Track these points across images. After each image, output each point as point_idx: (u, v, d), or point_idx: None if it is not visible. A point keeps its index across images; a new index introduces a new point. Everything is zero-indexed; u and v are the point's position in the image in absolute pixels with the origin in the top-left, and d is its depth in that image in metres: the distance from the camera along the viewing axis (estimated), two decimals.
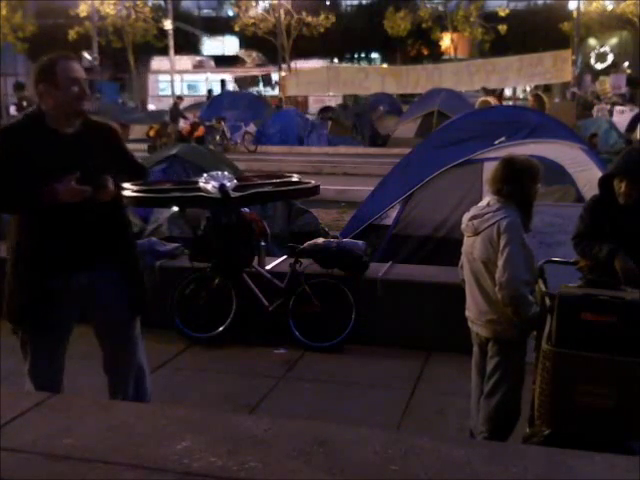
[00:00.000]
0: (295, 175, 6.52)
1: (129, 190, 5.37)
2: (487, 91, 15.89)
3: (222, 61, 41.29)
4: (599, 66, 38.63)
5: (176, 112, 21.97)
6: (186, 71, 38.75)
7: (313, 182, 6.18)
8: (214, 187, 5.59)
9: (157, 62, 40.14)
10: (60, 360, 3.59)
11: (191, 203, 5.90)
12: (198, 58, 41.95)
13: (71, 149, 3.31)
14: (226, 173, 5.92)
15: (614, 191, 3.86)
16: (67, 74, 3.29)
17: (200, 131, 21.45)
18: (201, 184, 5.71)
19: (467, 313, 3.92)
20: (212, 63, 41.62)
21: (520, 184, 3.69)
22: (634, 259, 3.75)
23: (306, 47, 36.15)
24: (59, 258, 3.36)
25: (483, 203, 3.80)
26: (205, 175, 5.79)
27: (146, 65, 41.79)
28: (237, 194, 5.67)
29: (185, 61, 39.63)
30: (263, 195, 6.09)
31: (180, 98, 24.34)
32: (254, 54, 38.08)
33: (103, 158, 3.39)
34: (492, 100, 11.43)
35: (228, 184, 5.64)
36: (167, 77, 36.88)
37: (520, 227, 3.64)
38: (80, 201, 3.26)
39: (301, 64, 35.51)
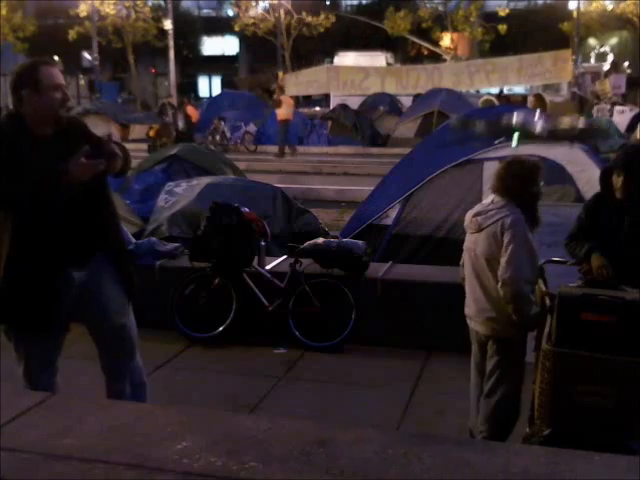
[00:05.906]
0: None
1: None
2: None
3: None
4: None
5: (163, 110, 22.21)
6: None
7: None
8: None
9: (343, 58, 33.71)
10: (55, 363, 3.57)
11: None
12: (388, 54, 36.04)
13: (52, 150, 3.30)
14: None
15: (612, 186, 3.94)
16: (50, 80, 3.31)
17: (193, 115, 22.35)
18: None
19: (466, 310, 3.92)
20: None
21: (523, 184, 3.71)
22: (632, 254, 3.78)
23: (306, 47, 36.05)
24: (54, 256, 3.33)
25: (487, 200, 3.82)
26: None
27: (146, 65, 41.56)
28: None
29: (379, 58, 33.87)
30: None
31: None
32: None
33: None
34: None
35: None
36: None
37: (524, 225, 3.65)
38: (93, 176, 3.23)
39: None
